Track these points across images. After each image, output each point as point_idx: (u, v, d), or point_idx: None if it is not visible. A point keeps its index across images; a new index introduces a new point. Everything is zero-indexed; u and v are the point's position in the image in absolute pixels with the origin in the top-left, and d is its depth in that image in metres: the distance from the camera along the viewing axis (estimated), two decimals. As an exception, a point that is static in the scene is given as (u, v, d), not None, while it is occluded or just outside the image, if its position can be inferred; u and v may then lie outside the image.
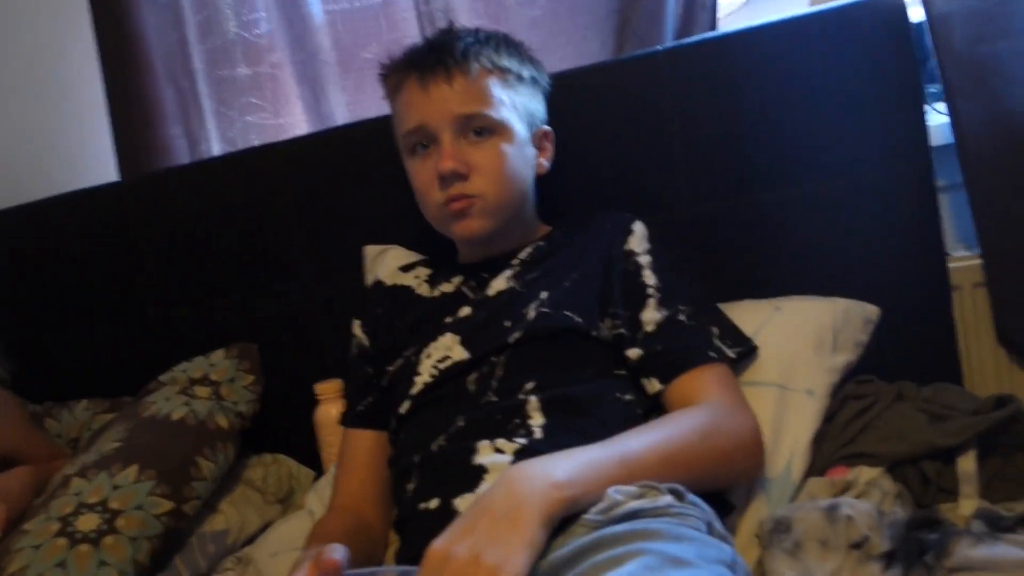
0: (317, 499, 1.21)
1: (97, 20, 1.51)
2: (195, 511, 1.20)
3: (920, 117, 1.10)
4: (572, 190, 1.18)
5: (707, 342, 0.95)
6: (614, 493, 0.75)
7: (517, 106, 1.04)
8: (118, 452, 1.18)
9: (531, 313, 0.98)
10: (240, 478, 1.34)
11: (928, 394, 0.99)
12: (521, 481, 0.74)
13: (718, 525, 0.79)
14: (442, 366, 0.99)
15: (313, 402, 1.32)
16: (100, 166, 1.63)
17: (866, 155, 1.11)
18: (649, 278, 1.00)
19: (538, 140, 1.09)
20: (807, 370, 1.00)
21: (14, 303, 1.52)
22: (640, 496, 0.75)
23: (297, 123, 1.53)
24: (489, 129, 1.01)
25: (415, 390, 1.00)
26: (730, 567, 0.72)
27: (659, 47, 1.18)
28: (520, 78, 1.06)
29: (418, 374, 1.01)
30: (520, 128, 1.04)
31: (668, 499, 0.76)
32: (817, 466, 0.96)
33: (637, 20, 1.28)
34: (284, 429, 1.41)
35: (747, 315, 1.05)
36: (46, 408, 1.46)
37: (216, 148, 1.56)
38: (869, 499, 0.88)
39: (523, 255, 1.07)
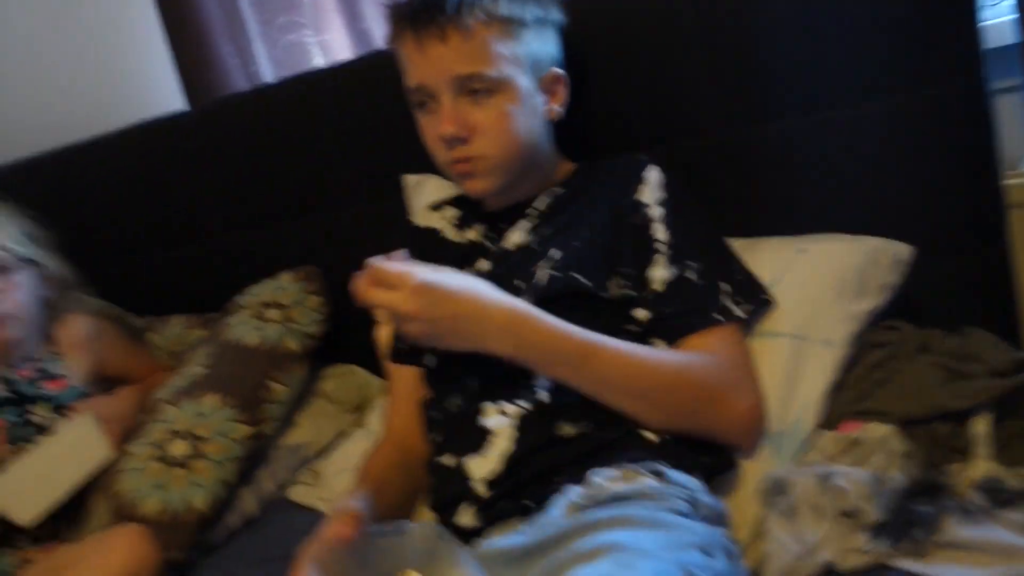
0: (378, 418, 1.31)
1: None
2: (273, 431, 1.33)
3: (971, 21, 0.97)
4: (594, 119, 1.14)
5: (714, 303, 0.94)
6: (596, 478, 0.79)
7: (520, 57, 0.98)
8: (204, 380, 1.31)
9: (540, 273, 0.99)
10: (316, 391, 1.45)
11: (954, 345, 0.94)
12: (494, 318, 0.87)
13: (705, 498, 0.82)
14: None
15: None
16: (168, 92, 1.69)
17: (907, 70, 1.00)
18: (659, 232, 0.98)
19: (547, 85, 1.03)
20: (827, 319, 0.98)
21: (100, 229, 1.63)
22: (621, 479, 0.80)
23: (337, 40, 1.50)
24: (489, 89, 0.97)
25: None
26: (704, 549, 0.76)
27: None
28: (523, 24, 0.98)
29: None
30: (524, 81, 0.99)
31: (648, 481, 0.80)
32: (833, 418, 0.95)
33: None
34: (356, 343, 1.48)
35: (769, 258, 1.02)
36: (147, 322, 1.61)
37: (265, 67, 1.57)
38: (875, 458, 0.88)
39: (540, 203, 1.06)
